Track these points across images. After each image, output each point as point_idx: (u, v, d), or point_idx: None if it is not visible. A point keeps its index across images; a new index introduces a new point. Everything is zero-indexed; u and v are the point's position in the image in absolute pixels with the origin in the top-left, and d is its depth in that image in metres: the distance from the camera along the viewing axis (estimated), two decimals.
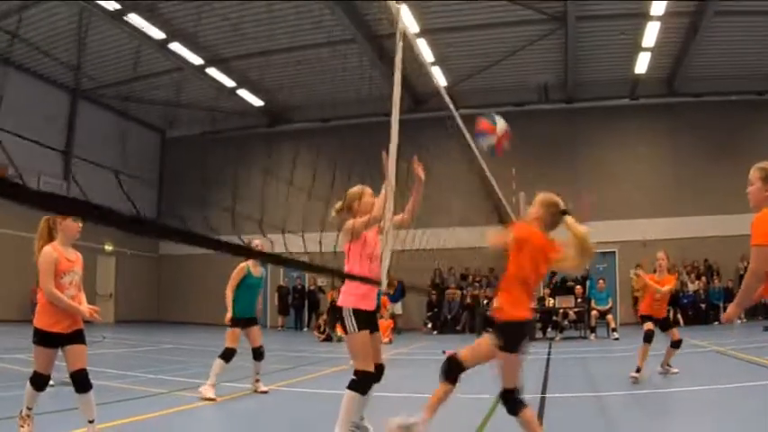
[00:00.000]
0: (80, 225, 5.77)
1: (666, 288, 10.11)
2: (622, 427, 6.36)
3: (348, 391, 5.41)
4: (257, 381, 9.02)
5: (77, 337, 5.72)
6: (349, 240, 5.53)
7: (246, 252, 2.50)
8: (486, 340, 5.29)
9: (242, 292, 8.97)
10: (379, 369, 5.79)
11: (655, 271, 10.57)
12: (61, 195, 1.68)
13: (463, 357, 5.32)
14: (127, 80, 25.53)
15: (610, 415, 7.07)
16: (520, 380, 5.00)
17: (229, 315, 8.84)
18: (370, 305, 5.68)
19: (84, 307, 5.68)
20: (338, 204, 5.79)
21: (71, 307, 5.56)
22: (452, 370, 5.30)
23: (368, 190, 5.78)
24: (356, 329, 5.50)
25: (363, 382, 5.45)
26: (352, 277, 5.46)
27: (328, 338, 20.49)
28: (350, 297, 5.59)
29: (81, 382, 5.57)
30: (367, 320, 5.59)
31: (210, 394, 8.23)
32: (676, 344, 9.86)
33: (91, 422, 5.58)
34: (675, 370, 9.92)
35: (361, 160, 4.87)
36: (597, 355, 13.89)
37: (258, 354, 8.97)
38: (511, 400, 4.96)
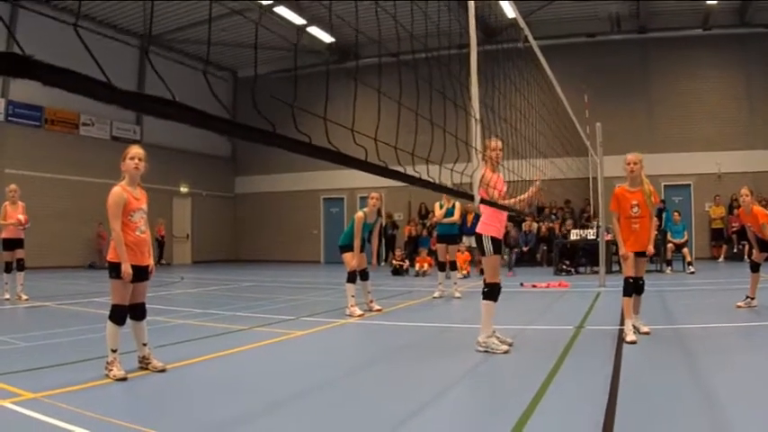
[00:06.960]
0: (138, 163, 6.13)
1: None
2: (700, 359, 6.32)
3: (484, 301, 7.11)
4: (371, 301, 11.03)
5: (146, 274, 6.23)
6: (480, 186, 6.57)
7: (339, 157, 2.53)
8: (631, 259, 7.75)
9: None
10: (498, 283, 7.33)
11: (732, 206, 10.51)
12: (143, 93, 1.72)
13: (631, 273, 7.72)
14: (194, 23, 25.75)
15: (688, 347, 7.03)
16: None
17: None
18: (500, 235, 7.33)
19: (127, 268, 5.90)
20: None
21: (123, 257, 5.91)
22: (631, 286, 7.68)
23: (492, 143, 7.32)
24: (492, 252, 7.16)
25: (494, 290, 7.10)
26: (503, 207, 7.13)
27: (397, 272, 20.87)
28: (490, 227, 7.20)
29: (143, 311, 6.27)
30: (499, 247, 7.28)
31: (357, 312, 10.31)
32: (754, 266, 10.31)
33: (144, 344, 6.25)
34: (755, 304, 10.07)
35: (435, 93, 4.88)
36: (673, 288, 13.72)
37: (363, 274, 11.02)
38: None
